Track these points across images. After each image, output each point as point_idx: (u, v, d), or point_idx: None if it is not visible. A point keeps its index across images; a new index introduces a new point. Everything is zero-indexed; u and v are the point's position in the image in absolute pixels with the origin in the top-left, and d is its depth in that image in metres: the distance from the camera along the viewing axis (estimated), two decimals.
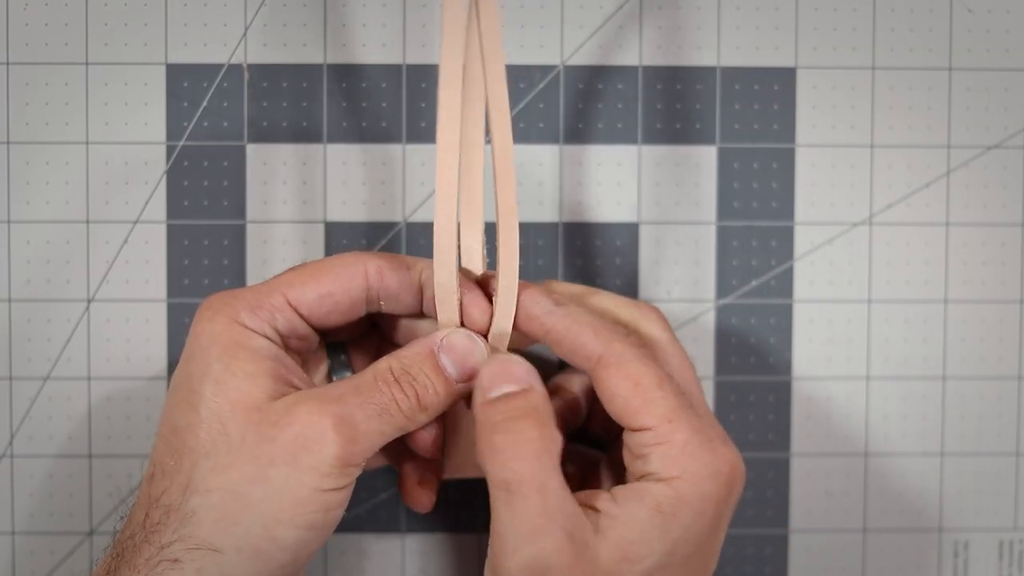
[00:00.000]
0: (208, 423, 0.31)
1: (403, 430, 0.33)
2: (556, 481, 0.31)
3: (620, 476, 0.34)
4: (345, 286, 0.34)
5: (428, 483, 0.37)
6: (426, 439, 0.35)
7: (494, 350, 0.34)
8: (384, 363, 0.33)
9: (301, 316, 0.34)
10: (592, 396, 0.37)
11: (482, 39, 0.33)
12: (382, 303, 0.35)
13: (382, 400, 0.32)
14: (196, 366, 0.32)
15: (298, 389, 0.33)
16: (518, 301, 0.33)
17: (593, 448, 0.38)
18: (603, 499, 0.32)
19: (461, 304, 0.34)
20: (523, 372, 0.33)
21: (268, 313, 0.33)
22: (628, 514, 0.31)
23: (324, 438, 0.31)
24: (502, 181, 0.33)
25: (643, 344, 0.34)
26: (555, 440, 0.32)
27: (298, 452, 0.31)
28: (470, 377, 0.33)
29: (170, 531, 0.31)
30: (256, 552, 0.30)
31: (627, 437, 0.33)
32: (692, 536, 0.31)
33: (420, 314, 0.36)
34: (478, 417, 0.32)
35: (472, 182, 0.34)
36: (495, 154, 0.33)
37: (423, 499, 0.37)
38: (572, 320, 0.33)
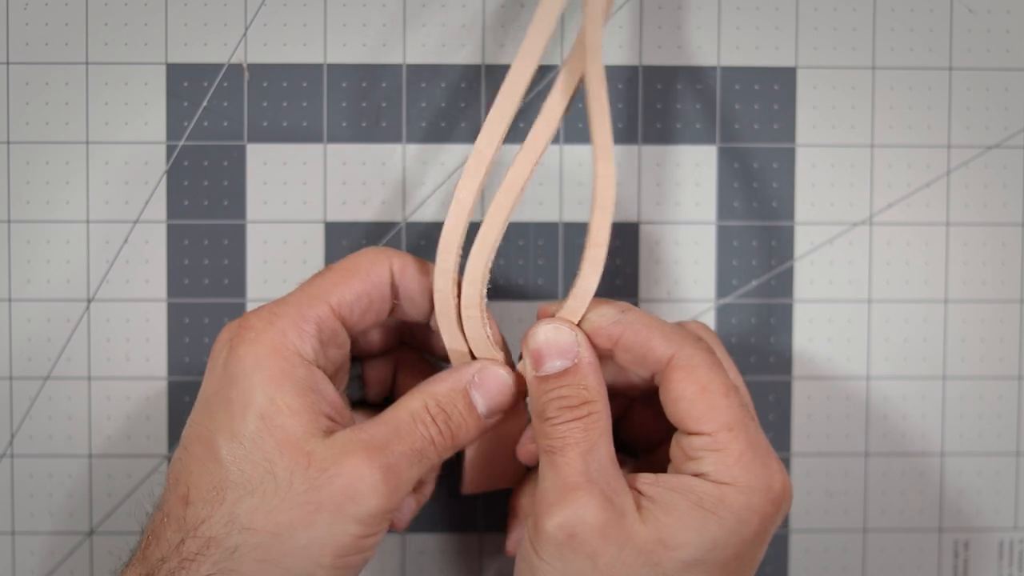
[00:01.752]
0: (253, 459, 0.31)
1: (433, 469, 0.34)
2: (604, 449, 0.32)
3: None
4: (376, 283, 0.34)
5: (406, 506, 0.38)
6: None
7: (547, 315, 0.34)
8: (419, 401, 0.33)
9: (342, 321, 0.34)
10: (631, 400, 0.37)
11: (589, 82, 0.33)
12: (397, 302, 0.35)
13: (421, 444, 0.32)
14: (238, 393, 0.32)
15: (335, 422, 0.32)
16: (584, 315, 0.34)
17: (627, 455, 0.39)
18: (644, 481, 0.33)
19: (459, 315, 0.34)
20: (571, 343, 0.33)
21: (313, 326, 0.33)
22: (667, 500, 0.32)
23: (373, 491, 0.31)
24: (600, 209, 0.33)
25: (712, 350, 0.34)
26: (604, 413, 0.33)
27: (345, 503, 0.31)
28: (496, 414, 0.34)
29: (209, 563, 0.30)
30: None
31: (682, 439, 0.33)
32: (732, 542, 0.32)
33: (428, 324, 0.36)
34: (531, 388, 0.33)
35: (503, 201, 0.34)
36: (597, 185, 0.33)
37: (398, 520, 0.38)
38: (641, 324, 0.34)
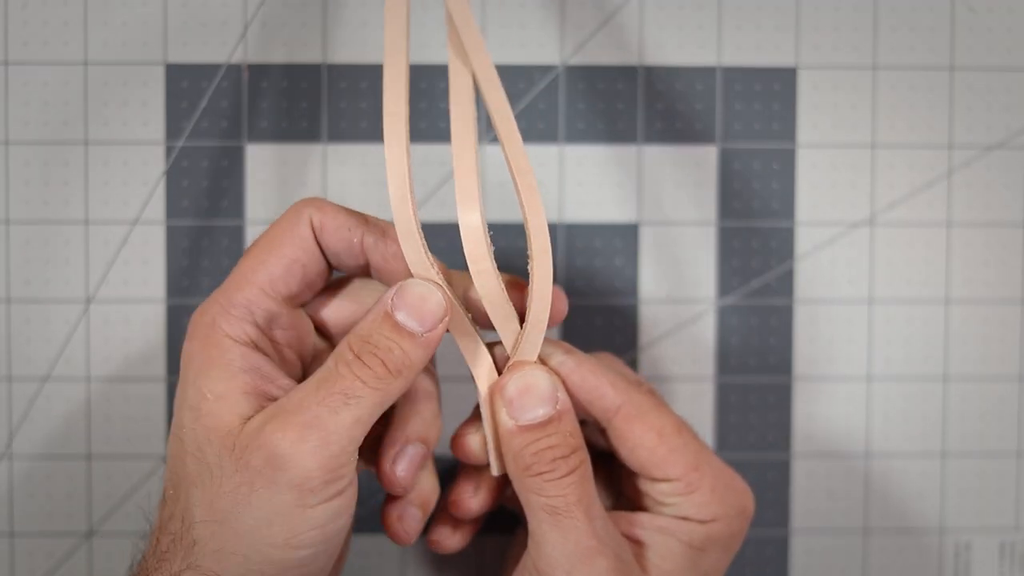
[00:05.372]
0: (192, 452, 0.31)
1: (382, 404, 0.31)
2: (599, 504, 0.32)
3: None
4: (303, 246, 0.32)
5: (409, 516, 0.35)
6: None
7: (518, 362, 0.32)
8: (343, 342, 0.31)
9: (278, 297, 0.32)
10: None
11: (481, 82, 0.32)
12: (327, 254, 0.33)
13: (344, 384, 0.30)
14: (179, 390, 0.32)
15: (275, 398, 0.31)
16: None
17: None
18: (629, 523, 0.33)
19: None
20: (550, 389, 0.32)
21: (243, 310, 0.32)
22: (664, 546, 0.32)
23: (296, 452, 0.29)
24: (529, 203, 0.32)
25: (654, 392, 0.34)
26: (589, 461, 0.32)
27: (273, 473, 0.29)
28: (435, 325, 0.31)
29: (178, 559, 0.30)
30: None
31: (647, 484, 0.33)
32: (717, 567, 0.33)
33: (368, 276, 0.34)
34: (512, 441, 0.31)
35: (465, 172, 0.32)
36: (515, 176, 0.32)
37: (403, 532, 0.35)
38: (588, 371, 0.33)
